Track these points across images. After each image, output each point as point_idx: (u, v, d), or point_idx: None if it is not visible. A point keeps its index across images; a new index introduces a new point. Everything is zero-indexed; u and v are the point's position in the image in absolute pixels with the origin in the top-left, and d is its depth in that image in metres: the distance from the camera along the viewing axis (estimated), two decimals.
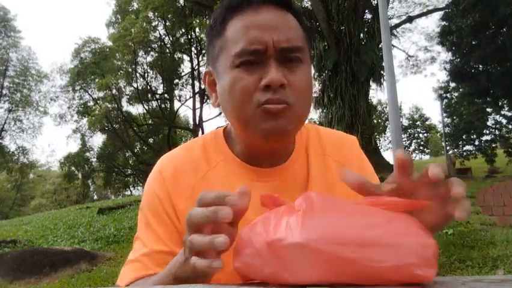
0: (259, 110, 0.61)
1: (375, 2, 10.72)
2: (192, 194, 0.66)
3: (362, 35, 12.33)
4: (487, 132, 18.31)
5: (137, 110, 26.12)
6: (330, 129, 0.82)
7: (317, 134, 0.78)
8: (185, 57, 24.99)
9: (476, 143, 18.33)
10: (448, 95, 19.97)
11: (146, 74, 23.96)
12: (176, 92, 25.89)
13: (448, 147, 20.14)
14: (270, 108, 0.60)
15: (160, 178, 0.69)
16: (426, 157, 41.98)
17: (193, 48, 23.60)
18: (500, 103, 17.06)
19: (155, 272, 0.64)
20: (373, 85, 12.88)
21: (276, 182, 0.69)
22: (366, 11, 12.73)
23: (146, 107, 24.61)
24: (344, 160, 0.75)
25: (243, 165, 0.69)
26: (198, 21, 19.62)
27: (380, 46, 9.61)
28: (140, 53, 23.10)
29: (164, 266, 0.65)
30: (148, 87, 24.09)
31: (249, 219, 0.66)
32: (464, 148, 18.69)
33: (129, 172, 27.92)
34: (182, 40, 24.24)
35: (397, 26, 16.20)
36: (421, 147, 40.12)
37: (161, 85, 25.47)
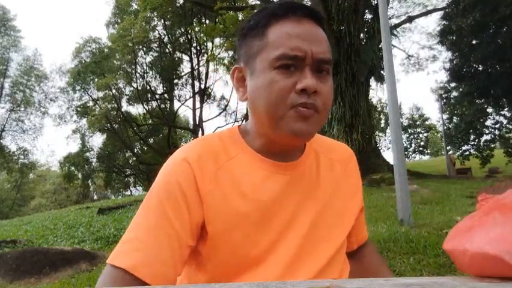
0: (292, 111, 0.67)
1: (375, 2, 10.71)
2: (214, 179, 0.70)
3: (362, 35, 12.33)
4: (487, 132, 18.30)
5: (137, 110, 26.14)
6: (327, 137, 0.90)
7: (323, 140, 0.87)
8: (185, 57, 25.01)
9: (475, 143, 18.32)
10: (448, 94, 19.96)
11: (145, 74, 23.96)
12: (176, 92, 25.91)
13: (448, 147, 20.13)
14: (303, 112, 0.67)
15: (185, 163, 0.70)
16: (426, 157, 42.00)
17: (192, 48, 23.60)
18: (500, 103, 17.05)
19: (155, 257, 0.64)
20: (373, 85, 12.90)
21: (290, 175, 0.75)
22: (366, 11, 12.72)
23: (146, 107, 24.61)
24: (346, 167, 0.84)
25: (261, 158, 0.75)
26: (196, 21, 19.59)
27: (380, 46, 9.61)
28: (140, 53, 23.10)
29: (167, 251, 0.65)
30: (148, 87, 24.08)
31: (268, 207, 0.71)
32: (464, 148, 18.67)
33: (129, 172, 27.93)
34: (181, 40, 24.24)
35: (397, 26, 16.18)
36: (421, 147, 40.12)
37: (161, 85, 25.47)
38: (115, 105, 22.80)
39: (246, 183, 0.72)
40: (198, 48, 23.34)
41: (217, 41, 18.00)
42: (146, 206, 0.70)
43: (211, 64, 22.07)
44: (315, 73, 0.68)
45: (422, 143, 39.74)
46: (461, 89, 17.84)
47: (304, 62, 0.67)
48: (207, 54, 21.81)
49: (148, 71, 24.08)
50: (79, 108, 24.37)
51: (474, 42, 15.00)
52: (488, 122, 18.14)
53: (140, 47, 22.25)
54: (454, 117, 19.81)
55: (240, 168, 0.73)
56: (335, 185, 0.80)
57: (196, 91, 24.13)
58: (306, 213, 0.74)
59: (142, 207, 0.70)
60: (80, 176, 26.16)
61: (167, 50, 24.58)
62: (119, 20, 23.48)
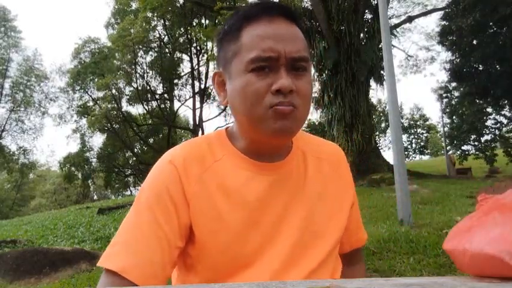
0: (271, 111, 0.67)
1: (375, 2, 10.71)
2: (200, 181, 0.71)
3: (362, 35, 12.32)
4: (487, 132, 18.29)
5: (137, 110, 26.13)
6: (317, 136, 0.90)
7: (311, 139, 0.87)
8: (185, 57, 25.00)
9: (476, 143, 18.30)
10: (448, 95, 19.96)
11: (145, 74, 23.95)
12: (176, 92, 25.91)
13: (448, 147, 20.12)
14: (281, 110, 0.67)
15: (171, 166, 0.72)
16: (426, 157, 41.99)
17: (192, 48, 23.58)
18: (500, 103, 17.04)
19: (142, 260, 0.65)
20: (373, 85, 12.90)
21: (276, 176, 0.75)
22: (366, 11, 12.72)
23: (146, 107, 24.60)
24: (335, 167, 0.84)
25: (247, 159, 0.75)
26: (197, 22, 19.53)
27: (380, 46, 9.61)
28: (140, 53, 23.09)
29: (157, 254, 0.66)
30: (148, 87, 24.07)
31: (254, 208, 0.72)
32: (464, 148, 18.66)
33: (129, 172, 27.92)
34: (181, 40, 24.23)
35: (397, 26, 16.18)
36: (421, 148, 40.10)
37: (161, 85, 25.47)
38: (115, 105, 22.78)
39: (230, 184, 0.72)
40: (198, 48, 23.33)
41: None
42: (136, 209, 0.71)
43: (211, 64, 22.06)
44: (291, 71, 0.69)
45: (422, 143, 39.74)
46: (461, 89, 17.84)
47: (279, 62, 0.68)
48: (207, 54, 21.81)
49: (148, 71, 24.09)
50: (79, 108, 24.35)
51: (474, 42, 14.99)
52: (489, 122, 18.14)
53: (140, 47, 22.25)
54: (455, 117, 19.79)
55: (226, 170, 0.73)
56: (323, 184, 0.79)
57: (196, 91, 24.12)
58: (294, 214, 0.74)
59: (132, 211, 0.71)
60: (80, 176, 26.15)
61: (167, 50, 24.57)
62: (119, 20, 23.48)
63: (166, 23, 22.90)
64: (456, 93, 19.22)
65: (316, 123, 21.67)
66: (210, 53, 20.98)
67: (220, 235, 0.70)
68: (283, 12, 0.71)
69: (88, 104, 24.40)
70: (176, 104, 26.23)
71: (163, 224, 0.68)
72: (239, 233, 0.70)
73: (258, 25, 0.70)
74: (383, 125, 33.53)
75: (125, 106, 24.90)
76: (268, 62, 0.67)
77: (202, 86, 23.99)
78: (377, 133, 28.16)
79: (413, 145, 39.70)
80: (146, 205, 0.70)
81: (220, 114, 25.58)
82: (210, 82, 24.04)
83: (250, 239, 0.71)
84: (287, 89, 0.67)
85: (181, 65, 25.40)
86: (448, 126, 20.30)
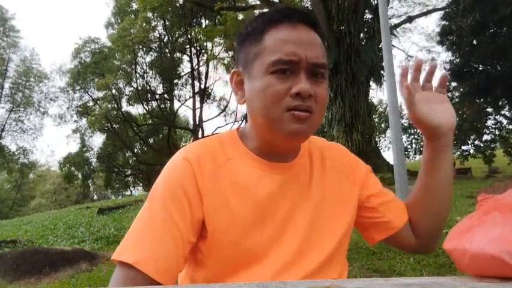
0: (288, 114, 0.70)
1: (375, 2, 10.71)
2: (213, 178, 0.73)
3: (362, 35, 12.33)
4: (487, 132, 18.28)
5: (137, 110, 26.12)
6: (318, 137, 0.92)
7: (315, 140, 0.89)
8: (185, 57, 25.00)
9: (476, 143, 18.29)
10: (449, 94, 19.95)
11: (145, 74, 23.95)
12: (176, 92, 25.90)
13: None
14: (298, 115, 0.70)
15: (185, 162, 0.74)
16: None
17: (192, 48, 23.58)
18: (500, 103, 17.03)
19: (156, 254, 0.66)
20: (373, 85, 12.90)
21: (286, 175, 0.77)
22: (366, 11, 12.72)
23: (146, 107, 24.60)
24: (338, 163, 0.85)
25: (258, 159, 0.78)
26: (196, 23, 19.51)
27: (380, 46, 9.61)
28: (140, 53, 23.08)
29: (171, 249, 0.67)
30: (148, 87, 24.07)
31: (264, 205, 0.74)
32: (464, 148, 18.65)
33: (129, 172, 27.92)
34: (181, 40, 24.23)
35: (397, 26, 16.19)
36: (421, 148, 40.09)
37: (161, 85, 25.46)
38: (115, 105, 22.77)
39: (243, 182, 0.74)
40: (198, 48, 23.33)
41: (217, 40, 17.98)
42: (150, 206, 0.72)
43: (211, 64, 22.08)
44: (310, 77, 0.71)
45: (422, 143, 39.72)
46: (461, 89, 17.83)
47: (299, 66, 0.70)
48: (207, 54, 21.81)
49: (148, 71, 24.08)
50: (79, 108, 24.34)
51: (474, 42, 14.98)
52: (489, 122, 18.13)
53: (140, 47, 22.24)
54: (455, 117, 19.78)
55: (238, 169, 0.76)
56: (328, 185, 0.81)
57: (196, 91, 24.13)
58: (301, 213, 0.76)
59: (146, 207, 0.72)
60: (80, 176, 26.15)
61: (167, 50, 24.56)
62: (119, 20, 23.47)
63: (166, 23, 22.88)
64: (456, 93, 19.20)
65: None
66: (209, 53, 21.00)
67: (232, 232, 0.71)
68: (305, 19, 0.74)
69: (88, 104, 24.39)
70: (176, 104, 26.25)
71: (178, 221, 0.69)
72: (249, 230, 0.72)
73: (281, 29, 0.72)
74: (383, 125, 33.50)
75: (125, 106, 24.91)
76: (290, 66, 0.70)
77: (202, 86, 24.01)
78: (377, 133, 28.17)
79: (413, 145, 39.67)
80: (160, 202, 0.71)
81: (220, 114, 25.61)
82: (209, 82, 24.12)
83: (259, 236, 0.72)
84: (306, 93, 0.69)
85: (181, 65, 25.41)
86: None
